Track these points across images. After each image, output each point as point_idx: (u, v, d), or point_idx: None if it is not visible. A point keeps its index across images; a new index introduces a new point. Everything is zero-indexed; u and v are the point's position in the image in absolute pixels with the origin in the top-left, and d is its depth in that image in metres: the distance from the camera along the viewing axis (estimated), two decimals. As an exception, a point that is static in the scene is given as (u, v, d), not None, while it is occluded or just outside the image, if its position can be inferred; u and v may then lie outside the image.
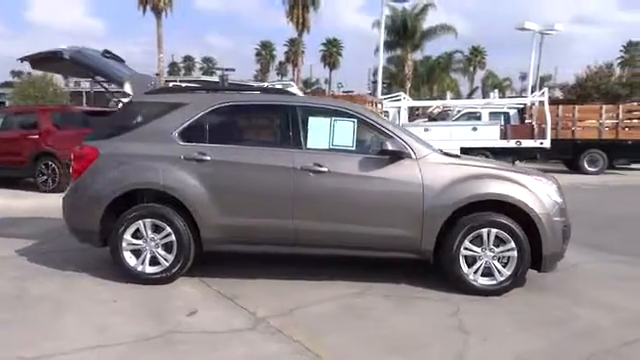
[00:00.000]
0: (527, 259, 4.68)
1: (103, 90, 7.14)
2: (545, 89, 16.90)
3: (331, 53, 69.13)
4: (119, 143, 4.91)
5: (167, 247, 4.79)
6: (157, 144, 4.83)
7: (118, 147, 4.89)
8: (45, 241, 6.51)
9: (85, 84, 34.53)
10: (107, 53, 5.47)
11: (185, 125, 4.87)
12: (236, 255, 5.20)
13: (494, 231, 4.66)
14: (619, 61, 63.18)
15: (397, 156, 4.71)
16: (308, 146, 4.80)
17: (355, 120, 4.89)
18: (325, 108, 5.04)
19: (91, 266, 5.30)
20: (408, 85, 43.02)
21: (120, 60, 5.76)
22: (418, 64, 48.31)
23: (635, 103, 20.75)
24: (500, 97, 26.42)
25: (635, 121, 17.49)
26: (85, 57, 5.31)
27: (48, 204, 9.33)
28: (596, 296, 4.82)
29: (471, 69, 61.56)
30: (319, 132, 4.87)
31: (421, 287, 4.86)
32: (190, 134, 4.87)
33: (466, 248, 4.68)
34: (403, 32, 42.85)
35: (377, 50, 46.56)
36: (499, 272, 4.69)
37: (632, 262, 6.05)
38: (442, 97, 44.68)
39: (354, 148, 4.86)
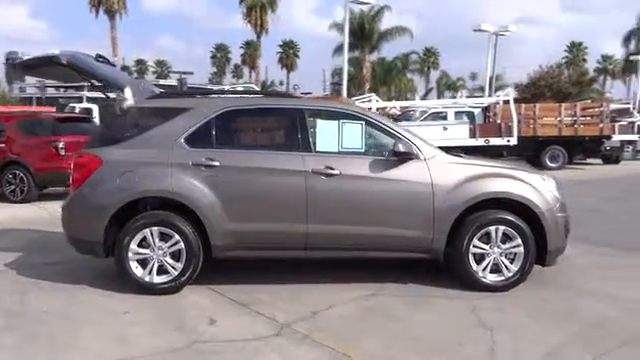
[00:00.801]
0: (533, 254, 4.81)
1: (58, 96, 6.90)
2: (509, 89, 17.52)
3: (288, 55, 69.01)
4: (122, 150, 4.76)
5: (175, 255, 4.67)
6: (163, 150, 4.70)
7: (121, 154, 4.73)
8: (29, 253, 6.22)
9: (32, 90, 32.95)
10: (100, 57, 5.28)
11: (191, 130, 4.76)
12: (239, 261, 5.13)
13: (501, 228, 4.77)
14: (564, 61, 65.91)
15: (406, 157, 4.75)
16: (318, 149, 4.78)
17: (363, 122, 4.91)
18: (332, 111, 5.04)
19: (88, 278, 5.12)
20: (367, 86, 43.52)
21: (112, 65, 5.58)
22: (375, 65, 48.91)
23: (589, 100, 21.67)
24: (467, 97, 27.07)
25: (589, 118, 18.27)
26: (82, 62, 5.11)
27: (20, 215, 9.01)
28: (594, 288, 4.98)
29: (426, 69, 62.67)
30: (328, 135, 4.87)
31: (430, 286, 4.92)
32: (196, 139, 4.76)
33: (475, 246, 4.77)
34: (360, 34, 43.37)
35: (336, 52, 47.06)
36: (507, 268, 4.80)
37: (617, 254, 6.32)
38: (399, 98, 45.47)
39: (363, 150, 4.88)
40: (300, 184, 4.66)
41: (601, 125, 17.67)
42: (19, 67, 5.16)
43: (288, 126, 4.87)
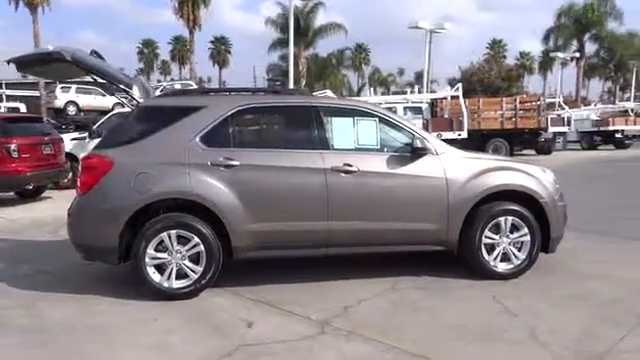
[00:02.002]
0: (538, 242, 5.06)
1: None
2: (459, 84, 18.09)
3: (219, 51, 67.99)
4: (135, 151, 4.56)
5: (194, 258, 4.54)
6: (178, 150, 4.55)
7: (134, 155, 4.53)
8: (16, 262, 5.84)
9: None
10: (95, 53, 5.00)
11: (207, 129, 4.63)
12: (247, 261, 5.05)
13: (510, 219, 4.99)
14: (485, 57, 69.04)
15: (422, 153, 4.86)
16: (335, 146, 4.80)
17: (376, 119, 4.97)
18: (346, 108, 5.08)
19: (90, 285, 4.92)
20: (303, 82, 43.69)
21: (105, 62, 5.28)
22: (311, 61, 49.15)
23: (525, 95, 22.85)
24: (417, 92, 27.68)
25: (527, 112, 19.31)
26: (85, 58, 4.80)
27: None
28: (593, 271, 5.30)
29: (360, 65, 63.72)
30: (344, 132, 4.90)
31: (443, 277, 5.05)
32: (212, 139, 4.64)
33: (486, 236, 4.96)
34: (296, 30, 43.39)
35: (271, 48, 46.80)
36: (515, 256, 5.03)
37: (595, 238, 6.73)
38: (335, 94, 45.92)
39: (378, 147, 4.94)
40: (320, 182, 4.66)
41: (538, 118, 18.71)
42: (13, 64, 4.77)
43: (304, 124, 4.83)
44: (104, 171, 4.46)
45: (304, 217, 4.67)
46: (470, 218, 4.92)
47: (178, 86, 32.15)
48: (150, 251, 4.46)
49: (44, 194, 11.50)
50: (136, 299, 4.52)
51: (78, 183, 4.60)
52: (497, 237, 4.98)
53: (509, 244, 5.02)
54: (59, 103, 25.86)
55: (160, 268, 4.52)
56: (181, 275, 4.55)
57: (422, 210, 4.85)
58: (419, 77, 72.79)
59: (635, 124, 27.00)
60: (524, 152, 21.54)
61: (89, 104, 26.66)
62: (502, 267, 5.03)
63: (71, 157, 12.11)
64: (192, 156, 4.53)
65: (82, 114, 25.17)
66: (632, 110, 29.15)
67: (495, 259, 5.00)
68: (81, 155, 12.51)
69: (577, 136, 27.22)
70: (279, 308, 4.33)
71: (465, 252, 5.00)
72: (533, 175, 5.14)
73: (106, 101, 27.62)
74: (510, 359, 3.46)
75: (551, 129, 21.00)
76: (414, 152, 4.84)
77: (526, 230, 5.01)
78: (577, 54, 41.46)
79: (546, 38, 45.12)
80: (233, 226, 4.53)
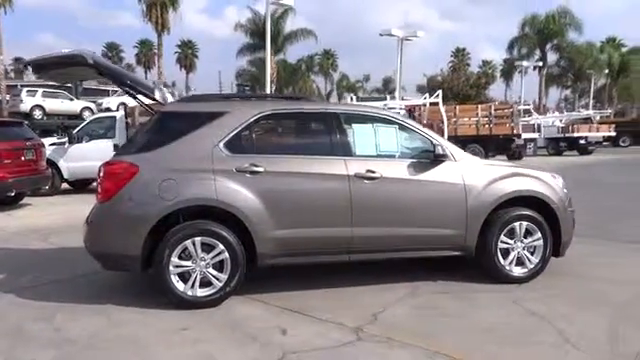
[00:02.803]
0: (550, 247, 5.20)
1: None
2: (439, 91, 18.39)
3: (186, 55, 67.13)
4: (159, 157, 4.47)
5: (218, 266, 4.48)
6: (203, 156, 4.49)
7: (158, 161, 4.45)
8: (17, 272, 5.64)
9: None
10: (107, 57, 4.87)
11: (230, 135, 4.59)
12: (261, 268, 5.00)
13: (525, 224, 5.11)
14: (451, 65, 70.48)
15: (441, 159, 4.93)
16: (357, 153, 4.82)
17: (396, 125, 5.03)
18: (367, 115, 5.11)
19: (110, 294, 4.81)
20: (272, 87, 43.61)
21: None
22: (280, 67, 49.15)
23: (497, 102, 23.43)
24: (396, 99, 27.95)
25: (497, 118, 19.80)
26: (105, 62, 4.68)
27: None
28: (600, 274, 5.46)
29: (329, 71, 64.05)
30: (365, 138, 4.93)
31: (457, 281, 5.13)
32: (236, 145, 4.60)
33: (502, 241, 5.06)
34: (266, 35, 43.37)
35: (240, 53, 46.51)
36: (529, 261, 5.15)
37: (591, 242, 6.92)
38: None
39: (399, 153, 5.00)
40: (344, 188, 4.67)
41: (511, 125, 19.22)
42: (32, 67, 4.59)
43: (326, 130, 4.84)
44: (128, 177, 4.36)
45: (328, 223, 4.68)
46: (487, 223, 5.01)
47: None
48: (174, 259, 4.38)
49: (23, 201, 11.13)
50: (157, 308, 4.43)
51: (99, 190, 4.47)
52: (512, 242, 5.09)
53: (523, 248, 5.14)
54: (25, 107, 25.05)
55: (183, 276, 4.44)
56: (204, 283, 4.48)
57: (442, 216, 4.92)
58: (387, 83, 73.92)
59: (598, 131, 28.06)
60: (497, 157, 22.07)
61: (56, 108, 25.96)
62: (517, 271, 5.13)
63: (50, 163, 11.78)
64: (217, 162, 4.48)
65: (45, 118, 24.51)
66: (594, 117, 30.25)
67: (510, 263, 5.11)
68: (60, 161, 12.25)
69: (544, 142, 28.09)
70: (308, 315, 4.32)
71: (482, 257, 5.08)
72: (545, 181, 5.28)
73: (73, 105, 26.98)
74: None
75: (523, 135, 21.61)
76: (434, 159, 4.91)
77: (539, 235, 5.14)
78: (540, 63, 42.82)
79: (510, 47, 46.40)
80: (258, 233, 4.49)
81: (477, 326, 4.09)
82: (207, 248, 4.45)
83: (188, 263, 4.42)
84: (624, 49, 54.19)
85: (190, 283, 4.42)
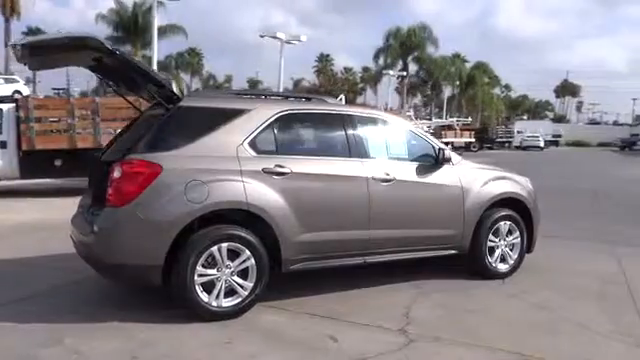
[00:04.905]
0: (525, 243, 5.68)
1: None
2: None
3: (34, 43, 60.60)
4: (182, 156, 4.07)
5: (243, 273, 4.22)
6: (228, 156, 4.19)
7: (183, 161, 4.05)
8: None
9: None
10: None
11: (253, 134, 4.34)
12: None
13: (508, 223, 5.52)
14: (314, 70, 72.61)
15: (443, 162, 5.14)
16: (372, 155, 4.84)
17: (402, 130, 5.15)
18: (378, 118, 5.16)
19: (114, 309, 4.31)
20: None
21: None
22: (147, 63, 46.63)
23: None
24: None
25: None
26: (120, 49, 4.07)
27: None
28: (567, 267, 6.05)
29: (200, 70, 62.28)
30: (378, 141, 4.98)
31: (449, 279, 5.37)
32: (259, 144, 4.36)
33: (490, 240, 5.42)
34: (134, 28, 41.10)
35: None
36: (510, 257, 5.58)
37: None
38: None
39: (407, 156, 5.12)
40: (364, 190, 4.67)
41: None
42: (29, 49, 3.80)
43: (343, 132, 4.77)
44: (151, 178, 3.91)
45: (350, 226, 4.64)
46: (478, 224, 5.33)
47: (1, 81, 28.03)
48: (199, 267, 4.04)
49: None
50: (180, 322, 4.05)
51: (112, 192, 3.94)
52: (497, 240, 5.47)
53: (505, 246, 5.54)
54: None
55: (205, 286, 4.11)
56: (227, 292, 4.19)
57: (445, 217, 5.14)
58: (253, 85, 73.83)
59: (462, 137, 30.90)
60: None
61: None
62: (500, 267, 5.53)
63: None
64: (244, 163, 4.21)
65: None
66: (456, 124, 33.22)
67: (496, 260, 5.49)
68: None
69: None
70: (343, 320, 4.24)
71: (473, 255, 5.38)
72: (522, 184, 5.76)
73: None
74: (595, 349, 3.84)
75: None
76: (442, 162, 5.10)
77: (518, 233, 5.59)
78: (404, 73, 45.91)
79: (376, 57, 49.05)
80: (285, 237, 4.31)
81: (503, 320, 4.35)
82: (231, 255, 4.17)
83: (213, 271, 4.10)
84: (468, 64, 60.15)
85: (215, 293, 4.10)
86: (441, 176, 5.13)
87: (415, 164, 5.07)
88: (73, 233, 4.61)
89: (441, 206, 5.12)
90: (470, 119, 42.78)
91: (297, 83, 68.70)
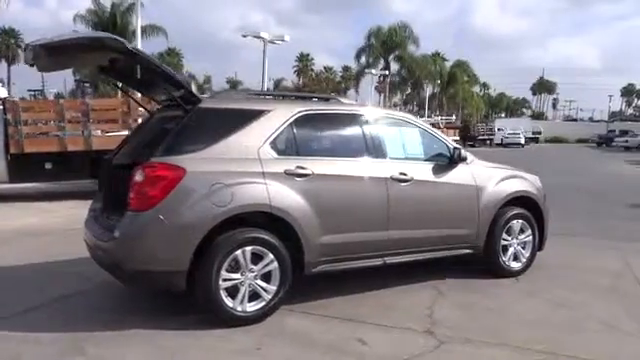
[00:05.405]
0: (537, 242, 5.71)
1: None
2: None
3: (8, 45, 59.49)
4: (204, 158, 3.99)
5: (266, 277, 4.16)
6: (250, 158, 4.12)
7: (205, 163, 3.97)
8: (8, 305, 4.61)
9: None
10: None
11: (274, 136, 4.28)
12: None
13: (520, 222, 5.54)
14: (295, 69, 72.50)
15: (458, 162, 5.14)
16: (389, 155, 4.81)
17: (418, 129, 5.13)
18: (393, 118, 5.14)
19: (125, 318, 4.18)
20: (119, 84, 40.83)
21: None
22: (127, 63, 45.97)
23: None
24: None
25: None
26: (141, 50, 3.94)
27: None
28: (574, 263, 6.10)
29: (183, 70, 61.56)
30: (394, 141, 4.95)
31: (462, 279, 5.35)
32: (279, 145, 4.30)
33: (504, 239, 5.43)
34: (112, 29, 40.48)
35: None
36: (523, 255, 5.60)
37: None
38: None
39: (422, 156, 5.10)
40: (383, 191, 4.64)
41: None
42: (43, 49, 3.64)
43: (360, 132, 4.73)
44: (175, 182, 3.82)
45: (370, 227, 4.61)
46: (492, 222, 5.34)
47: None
48: (223, 272, 3.96)
49: None
50: (201, 328, 3.97)
51: (134, 196, 3.83)
52: (510, 239, 5.49)
53: (517, 245, 5.56)
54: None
55: (228, 290, 4.03)
56: (250, 296, 4.12)
57: (461, 216, 5.14)
58: (233, 85, 73.36)
59: (447, 135, 31.05)
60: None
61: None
62: (513, 265, 5.54)
63: None
64: (266, 165, 4.14)
65: None
66: (441, 123, 33.46)
67: (509, 259, 5.50)
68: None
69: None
70: (368, 322, 4.20)
71: (487, 254, 5.39)
72: (532, 182, 5.79)
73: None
74: (630, 347, 3.86)
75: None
76: (453, 161, 5.10)
77: (530, 231, 5.62)
78: (386, 72, 46.11)
79: (358, 56, 49.15)
80: (307, 239, 4.25)
81: (526, 319, 4.35)
82: (255, 258, 4.10)
83: (237, 275, 4.03)
84: (448, 63, 60.65)
85: (239, 297, 4.03)
86: (457, 175, 5.13)
87: (431, 164, 5.06)
88: (87, 237, 4.50)
89: (457, 206, 5.12)
90: (454, 117, 43.16)
91: (277, 83, 68.50)
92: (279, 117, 4.35)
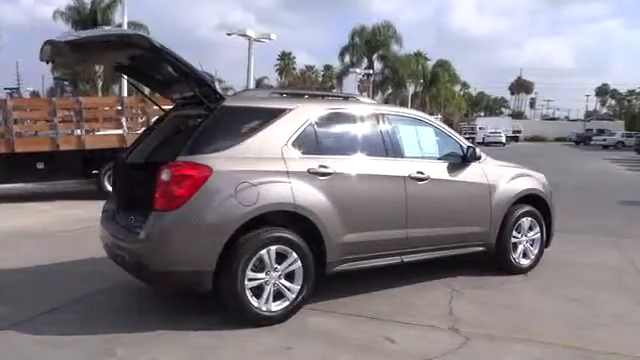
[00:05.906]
0: (545, 239, 5.81)
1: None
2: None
3: (-17, 41, 58.08)
4: (230, 157, 3.97)
5: (289, 276, 4.16)
6: (274, 157, 4.12)
7: (231, 162, 3.95)
8: (24, 309, 4.52)
9: None
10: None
11: (296, 135, 4.28)
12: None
13: (529, 219, 5.63)
14: (277, 68, 72.24)
15: (472, 160, 5.20)
16: (407, 154, 4.84)
17: (432, 128, 5.17)
18: (409, 117, 5.17)
19: (143, 319, 4.14)
20: (100, 83, 40.58)
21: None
22: (109, 61, 45.35)
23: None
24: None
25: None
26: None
27: None
28: (578, 260, 6.21)
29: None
30: (411, 140, 4.99)
31: (473, 276, 5.42)
32: (302, 144, 4.30)
33: (514, 236, 5.52)
34: (93, 25, 39.92)
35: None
36: (531, 252, 5.69)
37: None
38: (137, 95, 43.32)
39: (438, 154, 5.15)
40: (401, 189, 4.67)
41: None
42: (70, 45, 3.55)
43: (379, 131, 4.76)
44: (201, 181, 3.79)
45: (389, 225, 4.64)
46: (504, 220, 5.41)
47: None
48: (249, 271, 3.95)
49: None
50: (226, 328, 3.97)
51: (160, 196, 3.79)
52: (519, 236, 5.57)
53: (526, 242, 5.65)
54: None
55: (256, 290, 4.02)
56: (279, 296, 4.12)
57: (475, 214, 5.20)
58: (219, 83, 72.88)
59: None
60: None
61: None
62: (523, 262, 5.63)
63: None
64: (289, 163, 4.14)
65: None
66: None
67: (519, 256, 5.59)
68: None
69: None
70: (392, 320, 4.22)
71: (499, 251, 5.46)
72: (540, 180, 5.89)
73: None
74: None
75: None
76: (467, 159, 5.16)
77: (538, 229, 5.71)
78: (370, 71, 46.23)
79: (342, 55, 49.19)
80: (330, 238, 4.27)
81: (544, 315, 4.43)
82: (278, 257, 4.10)
83: (262, 275, 4.02)
84: (430, 62, 61.00)
85: (264, 297, 4.03)
86: (470, 174, 5.19)
87: (446, 162, 5.12)
88: (105, 237, 4.45)
89: (471, 204, 5.18)
90: (439, 116, 43.50)
91: (259, 82, 68.23)
92: (302, 116, 4.35)
